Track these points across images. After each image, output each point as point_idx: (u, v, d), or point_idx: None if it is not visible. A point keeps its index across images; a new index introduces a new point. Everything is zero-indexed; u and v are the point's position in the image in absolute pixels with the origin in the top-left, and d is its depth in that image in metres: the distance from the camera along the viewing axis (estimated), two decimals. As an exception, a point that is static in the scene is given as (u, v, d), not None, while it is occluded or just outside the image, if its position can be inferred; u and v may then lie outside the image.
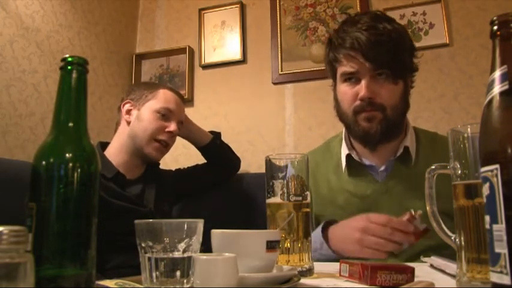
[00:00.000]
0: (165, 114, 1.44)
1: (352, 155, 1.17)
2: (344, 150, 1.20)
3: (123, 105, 1.48)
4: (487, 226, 0.48)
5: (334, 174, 1.19)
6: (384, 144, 1.14)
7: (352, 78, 1.10)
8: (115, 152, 1.43)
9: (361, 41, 1.04)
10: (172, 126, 1.44)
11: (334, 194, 1.16)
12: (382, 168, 1.15)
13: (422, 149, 1.15)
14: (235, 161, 1.73)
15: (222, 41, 2.24)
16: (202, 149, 1.65)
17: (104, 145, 1.48)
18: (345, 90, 1.11)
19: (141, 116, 1.44)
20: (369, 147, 1.15)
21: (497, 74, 0.49)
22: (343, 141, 1.22)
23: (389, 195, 1.11)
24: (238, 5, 2.22)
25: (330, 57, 1.15)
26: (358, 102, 1.08)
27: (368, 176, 1.15)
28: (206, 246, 0.65)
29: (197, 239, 0.59)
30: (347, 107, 1.12)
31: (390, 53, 1.05)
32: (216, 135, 1.67)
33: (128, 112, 1.46)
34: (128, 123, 1.45)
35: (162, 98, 1.46)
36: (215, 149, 1.65)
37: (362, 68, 1.07)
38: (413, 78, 1.17)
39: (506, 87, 0.48)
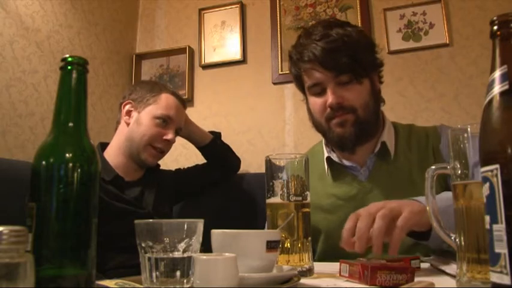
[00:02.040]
0: (165, 121, 1.42)
1: (332, 157, 1.18)
2: (325, 154, 1.20)
3: (124, 106, 1.46)
4: (487, 226, 0.48)
5: (319, 180, 1.19)
6: (362, 145, 1.14)
7: (318, 89, 1.11)
8: (113, 154, 1.42)
9: (316, 52, 1.06)
10: (169, 135, 1.43)
11: (320, 199, 1.15)
12: (364, 167, 1.15)
13: (400, 142, 1.16)
14: (235, 161, 1.73)
15: (222, 41, 2.24)
16: (202, 149, 1.65)
17: (104, 146, 1.47)
18: (315, 101, 1.13)
19: (140, 120, 1.42)
20: (347, 151, 1.15)
21: (497, 74, 0.49)
22: (323, 145, 1.23)
23: (375, 193, 1.11)
24: (238, 5, 2.22)
25: (293, 72, 1.17)
26: (328, 110, 1.10)
27: (351, 176, 1.16)
28: (206, 246, 0.65)
29: (197, 239, 0.59)
30: (319, 116, 1.13)
31: (347, 56, 1.06)
32: (216, 135, 1.67)
33: (128, 113, 1.45)
34: (127, 124, 1.44)
35: (163, 103, 1.43)
36: (215, 149, 1.64)
37: (324, 77, 1.08)
38: (381, 74, 1.18)
39: (506, 87, 0.48)
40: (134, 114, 1.44)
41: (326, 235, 1.13)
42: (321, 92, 1.11)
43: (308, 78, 1.12)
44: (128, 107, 1.45)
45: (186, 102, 1.59)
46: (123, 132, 1.44)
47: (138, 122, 1.42)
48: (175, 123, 1.46)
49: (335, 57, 1.06)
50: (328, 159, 1.19)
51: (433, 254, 0.94)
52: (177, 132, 1.50)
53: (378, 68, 1.16)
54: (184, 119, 1.57)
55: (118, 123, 1.49)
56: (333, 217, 1.13)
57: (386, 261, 0.77)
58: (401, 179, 1.09)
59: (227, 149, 1.70)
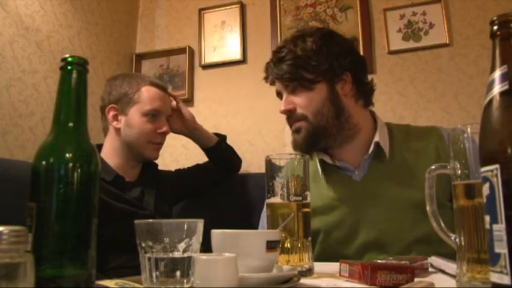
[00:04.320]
0: (153, 115, 1.41)
1: (325, 159, 1.18)
2: (317, 156, 1.20)
3: (108, 112, 1.42)
4: (487, 226, 0.48)
5: (313, 182, 1.18)
6: (343, 147, 1.15)
7: (280, 97, 1.19)
8: (109, 156, 1.41)
9: (269, 66, 1.19)
10: (164, 127, 1.43)
11: (315, 202, 1.13)
12: (358, 168, 1.15)
13: (396, 142, 1.16)
14: (237, 162, 1.73)
15: (222, 41, 2.24)
16: (207, 150, 1.64)
17: (99, 147, 1.45)
18: None
19: (130, 122, 1.39)
20: (307, 153, 1.16)
21: (497, 74, 0.49)
22: None
23: (370, 194, 1.11)
24: (238, 5, 2.22)
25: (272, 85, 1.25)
26: (285, 117, 1.17)
27: (345, 177, 1.16)
28: (206, 246, 0.65)
29: (197, 239, 0.59)
30: (287, 123, 1.20)
31: (290, 66, 1.12)
32: (222, 138, 1.66)
33: (115, 117, 1.41)
34: (117, 129, 1.41)
35: (146, 98, 1.40)
36: (219, 152, 1.65)
37: (279, 87, 1.18)
38: (344, 77, 1.15)
39: (506, 87, 0.48)
40: (121, 117, 1.41)
41: (323, 236, 1.13)
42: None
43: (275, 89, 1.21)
44: (112, 112, 1.41)
45: (165, 87, 1.53)
46: (115, 137, 1.42)
47: (128, 124, 1.40)
48: (164, 113, 1.46)
49: (279, 68, 1.14)
50: (321, 160, 1.19)
51: (433, 254, 0.94)
52: (168, 120, 1.49)
53: (341, 72, 1.14)
54: (191, 122, 1.57)
55: (106, 129, 1.46)
56: (328, 218, 1.12)
57: (397, 261, 0.77)
58: (397, 179, 1.09)
59: (231, 151, 1.70)
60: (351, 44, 1.23)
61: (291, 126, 1.17)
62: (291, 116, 1.15)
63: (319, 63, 1.11)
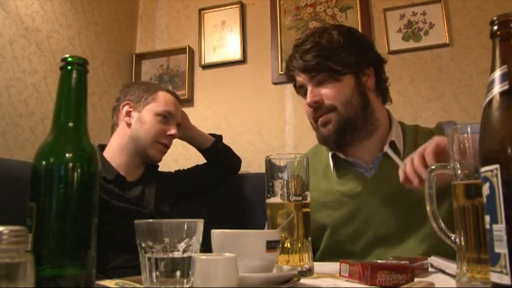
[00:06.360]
0: (165, 117, 1.46)
1: (338, 154, 1.18)
2: (330, 152, 1.21)
3: (122, 107, 1.47)
4: (487, 226, 0.48)
5: (323, 177, 1.19)
6: (363, 143, 1.14)
7: (302, 91, 1.17)
8: (114, 154, 1.43)
9: (293, 58, 1.16)
10: (172, 130, 1.47)
11: (325, 196, 1.16)
12: (370, 164, 1.15)
13: (408, 142, 1.16)
14: (236, 162, 1.73)
15: (222, 41, 2.24)
16: (203, 152, 1.65)
17: (102, 147, 1.48)
18: (304, 104, 1.17)
19: (143, 119, 1.44)
20: (334, 150, 1.17)
21: (497, 74, 0.49)
22: None
23: (380, 191, 1.11)
24: (238, 5, 2.22)
25: (292, 82, 1.23)
26: (310, 110, 1.14)
27: (357, 173, 1.16)
28: (206, 246, 0.65)
29: (197, 239, 0.59)
30: (309, 117, 1.18)
31: (318, 57, 1.10)
32: (218, 138, 1.67)
33: (128, 114, 1.46)
34: (129, 125, 1.45)
35: (162, 101, 1.47)
36: (216, 152, 1.65)
37: (303, 80, 1.15)
38: (368, 72, 1.16)
39: (506, 87, 0.48)
40: (134, 114, 1.46)
41: (331, 231, 1.13)
42: (305, 94, 1.15)
43: (296, 83, 1.19)
44: (126, 108, 1.47)
45: (180, 98, 1.61)
46: (125, 132, 1.45)
47: (140, 120, 1.44)
48: (175, 119, 1.50)
49: (306, 59, 1.12)
50: (334, 155, 1.19)
51: (433, 254, 0.95)
52: (177, 127, 1.52)
53: (366, 66, 1.15)
54: (185, 121, 1.59)
55: (115, 125, 1.49)
56: (337, 213, 1.13)
57: (397, 261, 0.77)
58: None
59: (228, 151, 1.70)
60: (372, 42, 1.25)
61: (316, 120, 1.14)
62: (318, 108, 1.12)
63: (347, 56, 1.12)
